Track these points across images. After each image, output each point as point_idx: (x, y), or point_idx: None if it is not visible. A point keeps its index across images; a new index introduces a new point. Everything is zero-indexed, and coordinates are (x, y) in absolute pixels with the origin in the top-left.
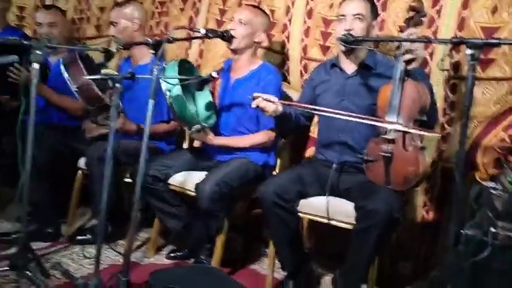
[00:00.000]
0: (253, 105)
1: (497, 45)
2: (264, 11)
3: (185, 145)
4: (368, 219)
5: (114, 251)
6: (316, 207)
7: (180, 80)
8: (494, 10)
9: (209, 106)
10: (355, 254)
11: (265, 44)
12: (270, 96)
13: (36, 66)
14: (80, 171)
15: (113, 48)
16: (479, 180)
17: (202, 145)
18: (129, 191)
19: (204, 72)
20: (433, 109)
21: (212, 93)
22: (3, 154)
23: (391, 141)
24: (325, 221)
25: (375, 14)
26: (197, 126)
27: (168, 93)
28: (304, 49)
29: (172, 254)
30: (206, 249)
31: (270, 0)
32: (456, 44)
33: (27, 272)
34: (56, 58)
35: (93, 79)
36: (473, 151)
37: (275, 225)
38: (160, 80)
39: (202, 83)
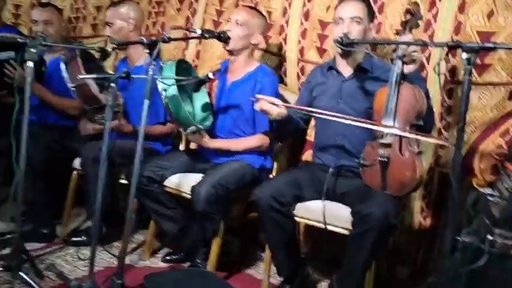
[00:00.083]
0: (257, 107)
1: (493, 49)
2: (260, 13)
3: (182, 147)
4: (364, 224)
5: (109, 253)
6: (313, 211)
7: (176, 81)
8: (491, 15)
9: (206, 107)
10: (352, 259)
11: (262, 45)
12: (274, 98)
13: (30, 64)
14: (75, 172)
15: (109, 48)
16: (476, 186)
17: (199, 147)
18: (124, 192)
19: (200, 73)
20: (430, 113)
21: (209, 95)
22: None
23: (388, 145)
24: (322, 226)
25: (371, 16)
26: (192, 128)
27: (164, 93)
28: (301, 51)
29: (167, 257)
30: (202, 253)
31: (267, 1)
32: (452, 47)
33: (21, 273)
34: (51, 56)
35: (90, 78)
36: (470, 157)
37: (271, 229)
38: (157, 80)
39: (199, 84)
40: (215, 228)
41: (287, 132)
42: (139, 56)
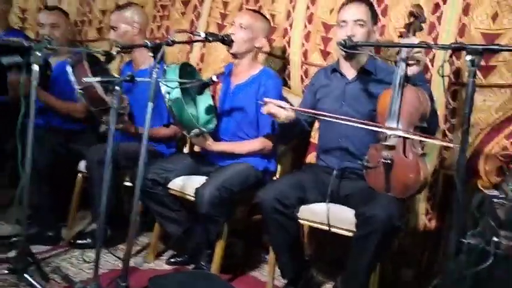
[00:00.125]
0: (264, 111)
1: (497, 51)
2: (264, 16)
3: (186, 149)
4: (368, 226)
5: (114, 255)
6: (317, 213)
7: (180, 83)
8: (495, 17)
9: (209, 110)
10: (356, 261)
11: (266, 48)
12: (281, 102)
13: (35, 67)
14: (80, 175)
15: (114, 51)
16: (481, 188)
17: (203, 150)
18: (129, 195)
19: (204, 76)
20: (434, 115)
21: (213, 98)
22: (4, 156)
23: (392, 147)
24: (326, 228)
25: (375, 19)
26: (196, 131)
27: (167, 96)
28: (305, 54)
29: (172, 260)
30: (206, 255)
31: (271, 4)
32: (456, 49)
33: (27, 276)
34: (57, 60)
35: (95, 81)
36: (476, 159)
37: (275, 231)
38: (161, 83)
39: (203, 86)
40: (219, 231)
41: (293, 135)
42: (144, 59)
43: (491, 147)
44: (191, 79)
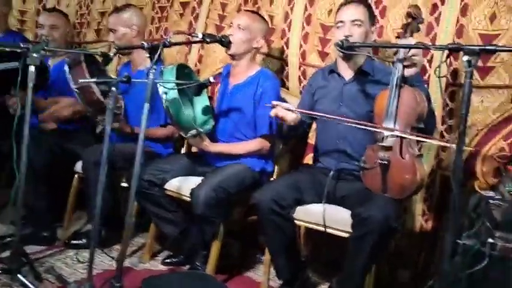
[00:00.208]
0: (272, 114)
1: (494, 51)
2: (262, 17)
3: (183, 150)
4: (364, 227)
5: (108, 256)
6: (313, 214)
7: (177, 84)
8: (493, 17)
9: (206, 111)
10: (352, 262)
11: (264, 49)
12: (289, 105)
13: (32, 68)
14: (76, 175)
15: (112, 52)
16: (478, 189)
17: (200, 151)
18: (125, 196)
19: (202, 78)
20: (431, 116)
21: (211, 99)
22: (1, 156)
23: (388, 148)
24: (322, 228)
25: (372, 19)
26: (193, 131)
27: (164, 96)
28: (303, 55)
29: (167, 260)
30: (201, 256)
31: (269, 6)
32: (453, 50)
33: (20, 276)
34: (55, 61)
35: (92, 82)
36: (473, 160)
37: (271, 232)
38: (158, 84)
39: (200, 87)
40: (215, 232)
41: (296, 136)
42: (142, 60)
43: (489, 148)
44: (188, 80)
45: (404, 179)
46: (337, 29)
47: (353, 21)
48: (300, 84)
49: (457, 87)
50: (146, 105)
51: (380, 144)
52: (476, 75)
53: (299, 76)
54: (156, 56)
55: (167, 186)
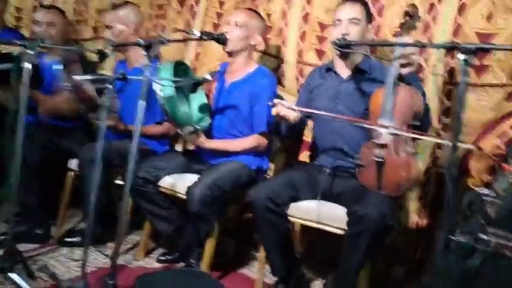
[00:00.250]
0: (274, 112)
1: (490, 50)
2: (259, 14)
3: (179, 147)
4: (360, 225)
5: (102, 253)
6: (307, 211)
7: (173, 82)
8: (490, 17)
9: (203, 108)
10: (347, 259)
11: (261, 47)
12: (291, 104)
13: (28, 65)
14: (71, 173)
15: (108, 50)
16: (472, 186)
17: (196, 148)
18: (121, 193)
19: (199, 75)
20: (426, 114)
21: (207, 96)
22: None
23: (383, 146)
24: (316, 225)
25: (369, 18)
26: (189, 128)
27: (160, 94)
28: (300, 53)
29: (162, 258)
30: (196, 253)
31: (267, 4)
32: (449, 48)
33: (13, 274)
34: (51, 58)
35: (86, 80)
36: (468, 157)
37: (266, 230)
38: (153, 81)
39: (196, 85)
40: (209, 229)
41: (294, 134)
42: (139, 58)
43: (484, 146)
44: (185, 77)
45: (400, 176)
46: (335, 27)
47: (350, 19)
48: (297, 83)
49: (454, 86)
50: (141, 103)
51: (375, 141)
52: (472, 73)
53: (296, 74)
54: (152, 54)
55: (161, 183)
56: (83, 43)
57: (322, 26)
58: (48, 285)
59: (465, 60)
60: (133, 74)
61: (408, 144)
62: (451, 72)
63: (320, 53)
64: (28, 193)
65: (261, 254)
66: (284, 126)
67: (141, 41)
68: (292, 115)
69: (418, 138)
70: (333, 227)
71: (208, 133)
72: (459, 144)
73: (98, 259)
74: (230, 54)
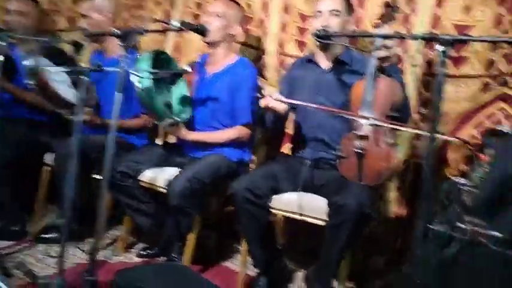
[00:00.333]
0: (262, 104)
1: (467, 41)
2: (238, 3)
3: (159, 141)
4: (340, 215)
5: (79, 249)
6: (288, 203)
7: (151, 73)
8: (467, 9)
9: (183, 100)
10: (328, 250)
11: (241, 37)
12: (279, 95)
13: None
14: (46, 167)
15: (83, 40)
16: (450, 176)
17: (178, 140)
18: (99, 188)
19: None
20: (406, 105)
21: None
22: None
23: (364, 137)
24: (298, 217)
25: (350, 10)
26: (168, 120)
27: (138, 85)
28: (281, 44)
29: (143, 252)
30: (178, 247)
31: None
32: (427, 39)
33: None
34: (25, 50)
35: (60, 72)
36: (445, 148)
37: (246, 222)
38: (131, 72)
39: (175, 76)
40: (190, 223)
41: (280, 125)
42: (116, 48)
43: (461, 136)
44: (167, 66)
45: (380, 166)
46: (315, 18)
47: (331, 11)
48: (278, 74)
49: (432, 77)
50: (117, 95)
51: (356, 133)
52: (451, 65)
53: (277, 66)
54: (129, 44)
55: (141, 177)
56: (58, 34)
57: (303, 17)
58: (24, 283)
59: (443, 52)
60: (110, 65)
61: (388, 136)
62: (429, 64)
63: (301, 44)
64: (2, 189)
65: (243, 246)
66: (269, 118)
67: (117, 31)
68: (282, 107)
69: (398, 129)
70: (314, 218)
71: (190, 125)
72: (438, 136)
73: (77, 255)
74: (210, 44)
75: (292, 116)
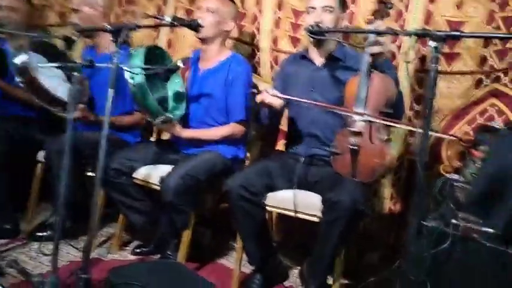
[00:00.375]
0: (258, 100)
1: (460, 37)
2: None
3: (153, 138)
4: (333, 212)
5: (73, 247)
6: (283, 200)
7: (144, 69)
8: (460, 5)
9: (178, 96)
10: (322, 246)
11: (235, 34)
12: (275, 90)
13: None
14: (39, 164)
15: (75, 36)
16: (443, 172)
17: (172, 137)
18: (93, 185)
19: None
20: (400, 101)
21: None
22: None
23: (358, 133)
24: (292, 214)
25: (343, 6)
26: (161, 117)
27: (130, 81)
28: (275, 40)
29: (137, 250)
30: (173, 245)
31: None
32: (419, 35)
33: None
34: (14, 44)
35: (49, 67)
36: (439, 144)
37: (241, 219)
38: (124, 69)
39: (168, 72)
40: (185, 220)
41: (276, 122)
42: (108, 44)
43: (454, 132)
44: (162, 62)
45: (374, 163)
46: (308, 14)
47: (324, 7)
48: (272, 70)
49: (425, 74)
50: (110, 91)
51: (350, 129)
52: (443, 61)
53: (271, 62)
54: (121, 40)
55: (135, 174)
56: (49, 29)
57: (296, 13)
58: (17, 281)
59: (435, 47)
60: (103, 60)
61: (382, 132)
62: (422, 60)
63: (294, 41)
64: None
65: (239, 243)
66: (265, 114)
67: (109, 26)
68: (278, 102)
69: (392, 126)
70: (309, 214)
71: (184, 122)
72: (431, 133)
73: (71, 253)
74: (203, 41)
75: (286, 113)
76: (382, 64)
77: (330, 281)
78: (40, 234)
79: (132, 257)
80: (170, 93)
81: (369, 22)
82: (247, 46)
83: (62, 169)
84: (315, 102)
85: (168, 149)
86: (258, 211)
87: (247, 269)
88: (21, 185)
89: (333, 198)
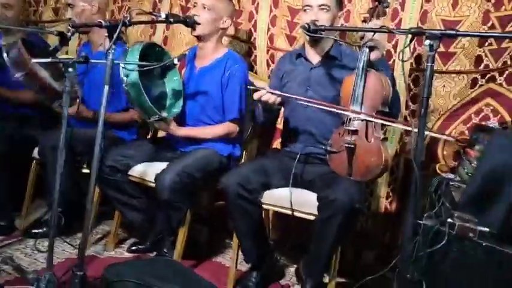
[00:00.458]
0: (255, 97)
1: (455, 36)
2: None
3: (149, 135)
4: (329, 210)
5: (68, 244)
6: (280, 198)
7: (139, 66)
8: (455, 4)
9: (174, 94)
10: (318, 244)
11: (231, 31)
12: (269, 88)
13: None
14: (35, 162)
15: (68, 32)
16: (439, 172)
17: (168, 135)
18: (88, 182)
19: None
20: (396, 100)
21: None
22: None
23: (354, 132)
24: (289, 212)
25: (340, 5)
26: (155, 116)
27: (125, 79)
28: (271, 39)
29: (133, 247)
30: (169, 242)
31: None
32: (415, 34)
33: None
34: (8, 41)
35: (42, 63)
36: (435, 143)
37: (238, 217)
38: (120, 66)
39: (164, 69)
40: (181, 218)
41: (273, 120)
42: (102, 40)
43: (450, 132)
44: (161, 58)
45: (370, 161)
46: (305, 12)
47: (320, 5)
48: (268, 68)
49: (421, 72)
50: (106, 88)
51: (346, 128)
52: (439, 60)
53: (267, 60)
54: (115, 36)
55: (131, 172)
56: (43, 26)
57: (292, 11)
58: (12, 278)
59: (431, 46)
60: (98, 57)
61: (378, 131)
62: (418, 59)
63: (290, 39)
64: None
65: (235, 241)
66: (261, 114)
67: (103, 22)
68: (276, 100)
69: (388, 125)
70: (305, 212)
71: (180, 120)
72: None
73: (66, 250)
74: (199, 38)
75: (282, 111)
76: (378, 63)
77: (326, 279)
78: (35, 231)
79: (128, 255)
80: (169, 90)
81: (365, 21)
82: (244, 44)
83: (53, 165)
84: (311, 100)
85: (164, 147)
86: (255, 209)
87: (244, 267)
88: (17, 181)
89: (330, 197)
